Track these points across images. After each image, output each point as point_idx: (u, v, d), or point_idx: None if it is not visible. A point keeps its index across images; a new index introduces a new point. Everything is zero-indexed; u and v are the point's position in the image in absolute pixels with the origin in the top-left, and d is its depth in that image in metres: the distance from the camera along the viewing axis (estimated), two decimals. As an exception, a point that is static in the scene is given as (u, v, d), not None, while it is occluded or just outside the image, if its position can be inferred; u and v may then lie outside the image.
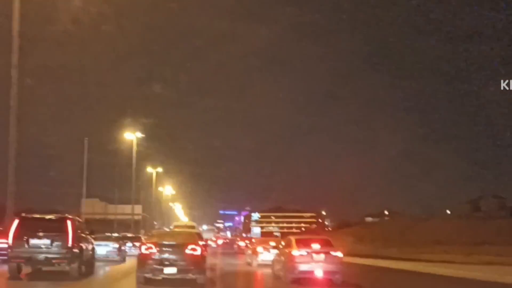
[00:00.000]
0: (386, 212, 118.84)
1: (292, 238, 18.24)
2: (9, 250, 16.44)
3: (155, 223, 76.08)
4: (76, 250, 16.57)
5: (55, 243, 16.24)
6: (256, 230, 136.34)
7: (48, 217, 17.02)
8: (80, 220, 18.87)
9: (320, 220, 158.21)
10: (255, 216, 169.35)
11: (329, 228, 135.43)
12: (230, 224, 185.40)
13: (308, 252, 16.81)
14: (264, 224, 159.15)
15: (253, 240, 37.53)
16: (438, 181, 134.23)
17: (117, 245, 27.94)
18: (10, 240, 16.38)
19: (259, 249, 26.70)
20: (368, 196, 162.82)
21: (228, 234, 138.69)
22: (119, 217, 75.03)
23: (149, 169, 72.79)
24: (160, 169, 73.99)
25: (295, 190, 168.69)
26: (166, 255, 15.18)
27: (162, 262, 15.08)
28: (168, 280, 15.15)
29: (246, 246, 35.17)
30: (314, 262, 16.65)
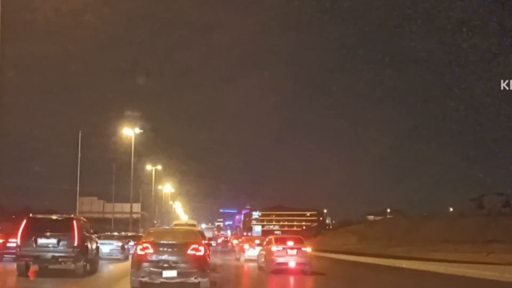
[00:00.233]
0: (388, 210, 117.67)
1: (272, 237, 22.78)
2: (17, 249, 17.26)
3: (155, 221, 74.71)
4: (81, 249, 17.36)
5: (62, 242, 17.08)
6: (257, 228, 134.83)
7: (54, 217, 18.14)
8: (85, 220, 19.65)
9: (321, 219, 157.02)
10: (256, 214, 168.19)
11: (330, 227, 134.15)
12: (230, 222, 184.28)
13: (283, 248, 20.89)
14: (264, 223, 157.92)
15: (239, 239, 41.36)
16: (438, 179, 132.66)
17: (120, 244, 28.71)
18: (18, 240, 17.21)
19: (246, 246, 30.61)
20: (368, 194, 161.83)
21: (229, 232, 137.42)
22: (117, 215, 73.78)
23: (149, 167, 71.40)
24: (159, 167, 72.65)
25: (295, 187, 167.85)
26: (165, 256, 13.32)
27: (160, 264, 13.22)
28: (167, 284, 13.40)
29: (237, 244, 38.06)
30: (288, 256, 20.70)
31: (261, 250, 23.94)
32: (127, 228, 53.31)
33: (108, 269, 21.54)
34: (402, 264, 26.55)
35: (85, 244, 17.75)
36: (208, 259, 14.23)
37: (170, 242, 13.70)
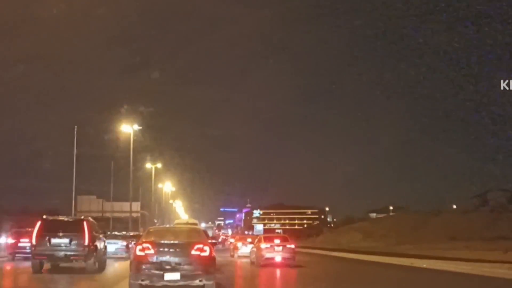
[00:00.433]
0: (391, 208, 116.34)
1: (261, 236, 26.42)
2: (33, 249, 18.47)
3: (155, 221, 73.40)
4: (91, 248, 18.57)
5: (73, 242, 18.32)
6: (258, 227, 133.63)
7: (67, 219, 20.23)
8: (94, 221, 20.48)
9: (322, 216, 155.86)
10: (257, 213, 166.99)
11: (332, 225, 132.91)
12: (231, 221, 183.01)
13: (271, 245, 23.96)
14: (266, 221, 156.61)
15: (232, 238, 45.81)
16: (440, 176, 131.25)
17: (125, 243, 29.78)
18: (34, 240, 18.46)
19: (239, 244, 34.07)
20: (369, 191, 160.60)
21: (229, 231, 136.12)
22: (116, 214, 72.41)
23: (148, 165, 70.03)
24: (159, 165, 71.29)
25: (296, 185, 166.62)
26: (167, 257, 12.08)
27: (162, 266, 11.97)
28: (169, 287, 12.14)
29: (232, 242, 40.11)
30: (275, 252, 23.75)
31: (252, 247, 27.19)
32: (126, 228, 52.01)
33: (114, 267, 22.15)
34: (422, 264, 24.78)
35: (95, 243, 18.99)
36: (214, 260, 12.82)
37: (172, 241, 12.50)
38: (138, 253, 12.26)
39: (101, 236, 20.76)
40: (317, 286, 16.43)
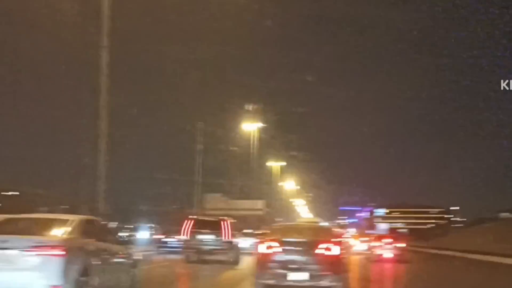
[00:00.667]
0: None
1: (374, 235, 31.43)
2: (185, 243, 22.61)
3: (276, 219, 74.23)
4: (230, 244, 22.26)
5: (217, 238, 22.12)
6: (382, 226, 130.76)
7: (211, 219, 24.03)
8: (232, 220, 23.77)
9: (448, 216, 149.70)
10: (380, 212, 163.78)
11: (459, 225, 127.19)
12: (354, 220, 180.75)
13: (384, 244, 28.01)
14: (389, 220, 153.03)
15: (350, 236, 51.47)
16: None
17: (256, 240, 30.99)
18: (187, 235, 22.46)
19: (355, 242, 41.30)
20: (500, 189, 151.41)
21: (353, 230, 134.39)
22: (241, 212, 74.20)
23: (272, 163, 71.19)
24: (282, 163, 72.24)
25: (418, 183, 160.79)
26: (292, 256, 11.66)
27: (287, 265, 11.57)
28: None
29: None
30: (385, 249, 27.75)
31: (367, 245, 33.05)
32: (250, 227, 53.19)
33: (247, 260, 23.56)
34: None
35: (233, 239, 22.72)
36: (343, 259, 12.36)
37: (298, 239, 12.08)
38: (263, 251, 12.03)
39: (237, 233, 24.17)
40: (422, 280, 18.80)
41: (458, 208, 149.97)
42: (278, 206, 78.78)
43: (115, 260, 10.24)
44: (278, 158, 70.89)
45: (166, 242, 29.40)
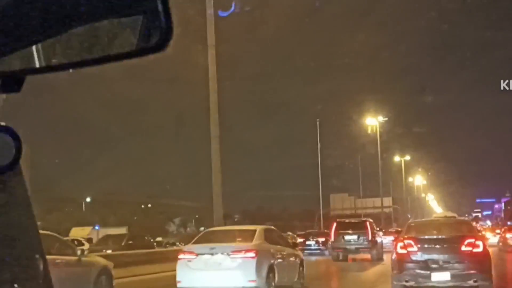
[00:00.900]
0: None
1: (506, 227, 32.71)
2: (331, 244, 25.94)
3: (408, 215, 74.33)
4: (373, 242, 24.80)
5: (361, 238, 24.67)
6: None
7: (354, 220, 27.51)
8: (371, 220, 27.06)
9: None
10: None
11: None
12: (489, 212, 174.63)
13: None
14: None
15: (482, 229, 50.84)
16: None
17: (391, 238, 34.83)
18: (332, 237, 25.67)
19: (488, 235, 39.95)
20: None
21: (488, 223, 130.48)
22: (369, 211, 75.02)
23: (397, 158, 70.92)
24: (408, 157, 71.70)
25: None
26: (433, 255, 11.26)
27: (428, 265, 11.15)
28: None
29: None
30: None
31: (499, 237, 34.01)
32: (378, 224, 53.90)
33: (389, 257, 26.00)
34: None
35: (375, 238, 25.43)
36: (489, 257, 11.84)
37: (438, 237, 11.82)
38: (400, 251, 11.62)
39: (379, 232, 27.24)
40: None
41: None
42: (409, 202, 78.59)
43: (289, 260, 12.97)
44: (403, 152, 70.23)
45: (310, 245, 32.64)
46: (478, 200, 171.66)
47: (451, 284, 11.15)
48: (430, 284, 11.23)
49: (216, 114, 20.54)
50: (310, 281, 14.78)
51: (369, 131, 54.67)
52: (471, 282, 11.06)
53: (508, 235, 30.94)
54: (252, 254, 11.09)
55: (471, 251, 11.31)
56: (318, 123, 53.38)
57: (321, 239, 32.66)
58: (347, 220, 27.31)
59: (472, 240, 11.51)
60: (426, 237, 11.83)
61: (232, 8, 20.85)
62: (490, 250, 31.71)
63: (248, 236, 11.82)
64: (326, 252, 30.09)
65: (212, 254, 11.09)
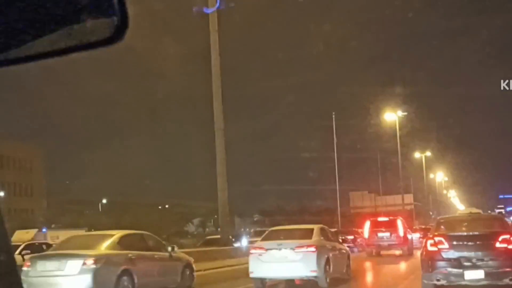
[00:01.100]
0: None
1: None
2: (366, 241, 29.14)
3: (430, 213, 76.16)
4: (404, 239, 27.80)
5: (392, 235, 27.82)
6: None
7: (386, 218, 30.56)
8: (402, 219, 30.11)
9: None
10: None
11: None
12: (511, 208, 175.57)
13: None
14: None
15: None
16: None
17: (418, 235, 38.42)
18: (366, 235, 29.07)
19: None
20: None
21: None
22: (389, 208, 76.68)
23: (417, 154, 71.66)
24: (428, 153, 72.48)
25: None
26: (465, 253, 11.14)
27: (460, 263, 11.02)
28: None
29: None
30: None
31: None
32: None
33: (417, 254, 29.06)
34: None
35: (406, 235, 28.56)
36: None
37: (470, 233, 11.71)
38: (430, 248, 11.55)
39: (408, 229, 30.11)
40: None
41: None
42: (430, 199, 79.80)
43: (340, 253, 15.62)
44: (424, 148, 71.24)
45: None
46: (501, 196, 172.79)
47: (485, 282, 11.02)
48: (463, 283, 11.13)
49: (220, 107, 22.76)
50: (353, 272, 17.30)
51: (393, 126, 54.64)
52: (506, 281, 10.86)
53: None
54: (313, 249, 13.67)
55: (506, 247, 11.12)
56: (334, 116, 53.31)
57: (350, 237, 34.73)
58: (379, 219, 30.78)
59: (507, 236, 11.32)
60: (458, 233, 11.73)
61: (217, 4, 22.19)
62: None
63: (307, 233, 14.43)
64: (355, 249, 32.13)
65: (279, 249, 13.68)
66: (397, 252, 28.20)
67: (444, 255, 11.27)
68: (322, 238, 14.63)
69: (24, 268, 11.50)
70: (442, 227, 12.50)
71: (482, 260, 11.00)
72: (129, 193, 68.47)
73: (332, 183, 57.22)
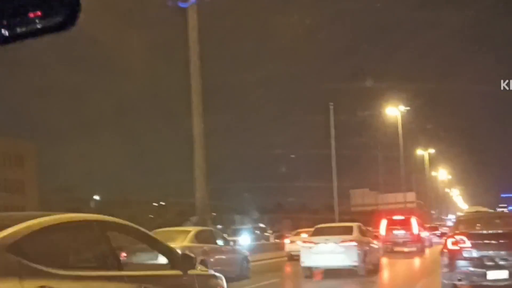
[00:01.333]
0: None
1: None
2: (383, 237, 30.08)
3: (432, 212, 78.18)
4: (418, 237, 31.48)
5: (407, 232, 31.37)
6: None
7: (401, 217, 33.65)
8: (416, 217, 33.99)
9: None
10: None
11: None
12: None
13: None
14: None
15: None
16: None
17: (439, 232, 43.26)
18: (383, 232, 31.44)
19: None
20: None
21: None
22: (391, 206, 78.62)
23: (420, 151, 73.09)
24: (431, 150, 73.82)
25: None
26: (488, 252, 11.19)
27: (482, 263, 11.13)
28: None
29: None
30: None
31: None
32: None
33: (433, 250, 31.65)
34: None
35: (419, 233, 32.25)
36: None
37: (493, 231, 11.75)
38: (451, 247, 11.59)
39: (421, 228, 33.44)
40: None
41: None
42: (433, 197, 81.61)
43: (373, 247, 18.93)
44: (426, 145, 72.72)
45: None
46: (503, 195, 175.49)
47: (508, 283, 11.09)
48: (485, 283, 11.23)
49: (200, 105, 21.02)
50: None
51: (395, 122, 55.25)
52: None
53: None
54: (354, 243, 17.14)
55: None
56: (332, 108, 52.51)
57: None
58: (394, 217, 33.78)
59: None
60: (480, 232, 11.86)
61: None
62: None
63: (348, 230, 17.95)
64: None
65: (326, 243, 17.13)
66: (406, 249, 31.21)
67: (466, 254, 11.32)
68: (360, 234, 17.81)
69: None
70: (462, 225, 12.72)
71: (506, 259, 11.01)
72: (118, 190, 70.33)
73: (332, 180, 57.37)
